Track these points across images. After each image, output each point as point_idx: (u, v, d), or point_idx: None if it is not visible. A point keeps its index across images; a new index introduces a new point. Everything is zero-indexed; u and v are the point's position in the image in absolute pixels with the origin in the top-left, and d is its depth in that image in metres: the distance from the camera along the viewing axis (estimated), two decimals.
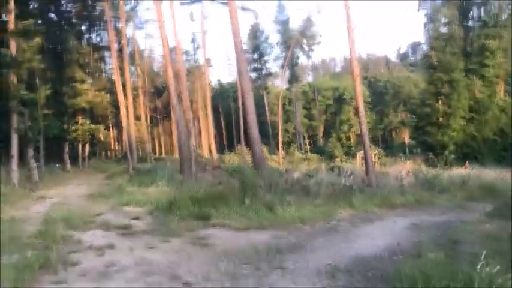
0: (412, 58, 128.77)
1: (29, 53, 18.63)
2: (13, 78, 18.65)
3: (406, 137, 78.14)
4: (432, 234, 9.63)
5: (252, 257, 7.52)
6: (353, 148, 57.72)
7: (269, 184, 14.40)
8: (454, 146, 37.71)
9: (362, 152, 34.61)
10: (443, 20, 44.16)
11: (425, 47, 54.11)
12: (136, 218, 10.93)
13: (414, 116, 46.67)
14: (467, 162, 29.19)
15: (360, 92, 18.97)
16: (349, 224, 11.94)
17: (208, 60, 58.32)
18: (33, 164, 20.96)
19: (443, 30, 43.93)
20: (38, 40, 18.89)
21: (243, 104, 19.30)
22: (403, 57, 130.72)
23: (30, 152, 21.01)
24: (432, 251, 6.83)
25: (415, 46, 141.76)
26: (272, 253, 7.82)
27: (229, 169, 14.65)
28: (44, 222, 10.13)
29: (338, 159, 40.55)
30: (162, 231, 9.41)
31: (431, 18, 45.95)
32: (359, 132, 74.07)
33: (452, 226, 10.67)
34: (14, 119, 18.63)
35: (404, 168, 24.08)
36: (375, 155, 28.77)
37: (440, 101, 39.62)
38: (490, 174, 23.30)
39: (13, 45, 18.62)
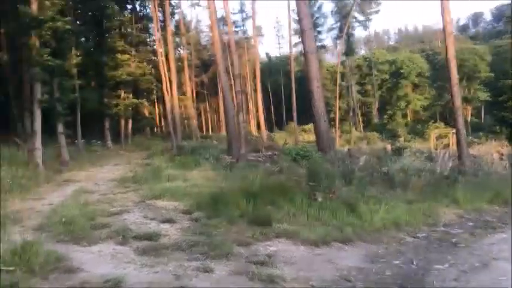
0: (472, 30, 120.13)
1: (52, 10, 15.87)
2: (35, 41, 15.98)
3: (468, 114, 71.67)
4: None
5: None
6: (419, 126, 52.35)
7: (343, 172, 10.98)
8: None
9: (437, 131, 30.34)
10: None
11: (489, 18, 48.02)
12: (169, 221, 7.83)
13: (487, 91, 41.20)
14: None
15: (453, 55, 14.98)
16: (464, 231, 8.48)
17: (258, 29, 54.50)
18: (62, 141, 18.46)
19: None
20: None
21: (306, 68, 15.79)
22: (463, 29, 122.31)
23: (60, 128, 18.51)
24: None
25: (476, 17, 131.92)
26: None
27: (290, 151, 11.32)
28: (37, 227, 7.24)
29: (402, 139, 36.27)
30: (202, 248, 6.25)
31: None
32: (417, 109, 68.78)
33: None
34: (37, 88, 16.01)
35: (495, 151, 19.94)
36: (453, 134, 24.49)
37: None
38: None
39: (35, 3, 15.93)
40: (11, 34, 18.90)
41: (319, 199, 8.83)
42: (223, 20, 35.58)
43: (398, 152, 19.86)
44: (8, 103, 25.88)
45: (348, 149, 21.51)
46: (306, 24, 14.61)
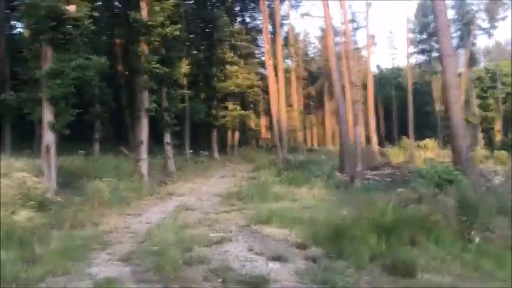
0: None
1: (162, 16, 15.40)
2: (144, 48, 15.63)
3: None
4: None
5: None
6: None
7: (499, 202, 8.53)
8: None
9: None
10: None
11: None
12: (279, 259, 6.20)
13: None
14: None
15: None
16: None
17: (371, 37, 51.61)
18: (169, 151, 17.97)
19: None
20: (172, 0, 15.54)
21: (442, 74, 13.37)
22: None
23: (167, 138, 18.05)
24: None
25: None
26: None
27: (429, 173, 9.10)
28: (124, 256, 6.06)
29: None
30: None
31: None
32: None
33: None
34: (145, 97, 15.60)
35: None
36: None
37: None
38: None
39: (145, 9, 15.61)
40: (124, 42, 19.00)
41: (476, 240, 6.61)
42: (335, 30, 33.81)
43: None
44: (121, 113, 26.66)
45: (480, 169, 18.34)
46: (443, 21, 12.24)
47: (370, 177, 15.45)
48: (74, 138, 27.28)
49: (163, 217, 9.62)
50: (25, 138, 20.29)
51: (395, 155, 34.33)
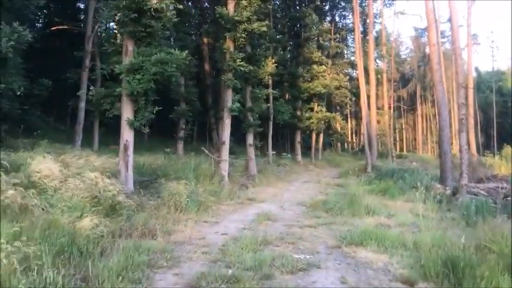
0: None
1: (249, 11, 14.52)
2: (229, 45, 14.88)
3: None
4: None
5: None
6: None
7: None
8: None
9: None
10: None
11: None
12: None
13: None
14: None
15: None
16: None
17: (473, 37, 47.47)
18: (251, 153, 17.11)
19: None
20: None
21: None
22: None
23: (250, 139, 17.21)
24: None
25: None
26: None
27: None
28: (192, 280, 5.10)
29: None
30: None
31: None
32: None
33: None
34: (229, 96, 14.84)
35: None
36: None
37: None
38: None
39: (232, 3, 14.87)
40: (211, 41, 18.50)
41: None
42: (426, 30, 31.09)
43: None
44: (207, 112, 26.45)
45: None
46: None
47: (475, 191, 13.39)
48: (161, 135, 27.85)
49: (241, 227, 8.68)
50: (113, 135, 20.63)
51: (497, 165, 30.83)
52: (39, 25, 28.84)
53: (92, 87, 11.59)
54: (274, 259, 6.15)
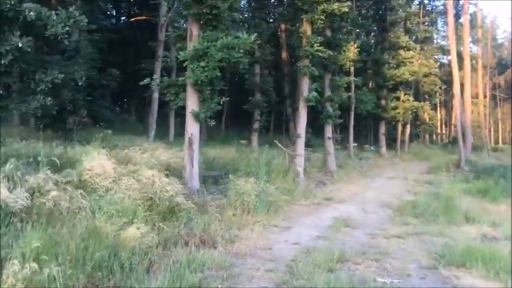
0: None
1: None
2: (306, 28, 13.57)
3: None
4: None
5: None
6: None
7: None
8: None
9: None
10: None
11: None
12: None
13: None
14: None
15: None
16: None
17: None
18: (330, 147, 15.76)
19: None
20: None
21: None
22: None
23: (328, 131, 15.86)
24: None
25: None
26: None
27: None
28: None
29: None
30: None
31: None
32: None
33: None
34: (305, 84, 13.58)
35: None
36: None
37: None
38: None
39: None
40: (288, 26, 17.30)
41: None
42: None
43: None
44: (283, 103, 25.39)
45: None
46: None
47: None
48: (238, 125, 27.30)
49: (315, 235, 7.52)
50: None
51: None
52: (122, 17, 29.51)
53: (154, 77, 10.97)
54: (352, 284, 4.95)
